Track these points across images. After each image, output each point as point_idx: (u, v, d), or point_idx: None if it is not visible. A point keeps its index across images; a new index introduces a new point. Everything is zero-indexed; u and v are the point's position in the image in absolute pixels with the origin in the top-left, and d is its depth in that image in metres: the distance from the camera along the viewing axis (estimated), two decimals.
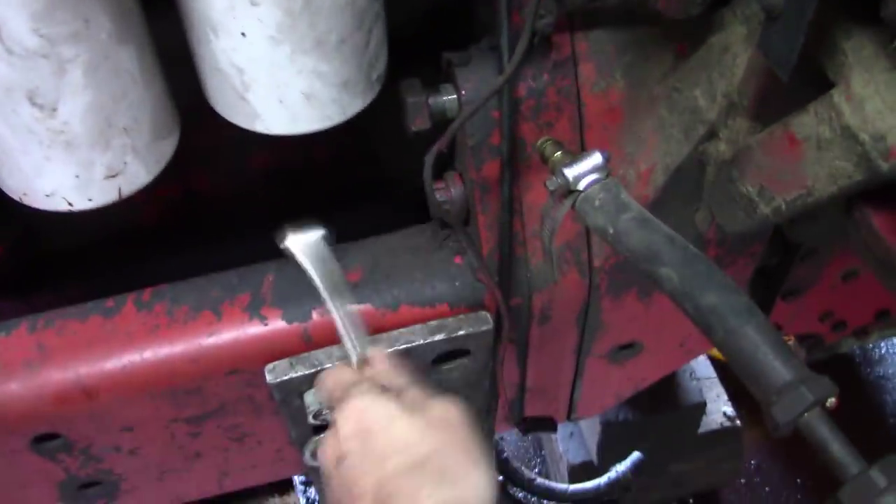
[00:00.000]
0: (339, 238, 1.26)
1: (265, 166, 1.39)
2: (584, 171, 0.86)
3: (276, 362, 1.14)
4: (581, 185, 0.85)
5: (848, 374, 2.97)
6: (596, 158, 0.86)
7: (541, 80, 1.08)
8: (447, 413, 0.86)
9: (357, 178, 1.43)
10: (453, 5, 1.25)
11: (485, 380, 1.26)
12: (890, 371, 3.02)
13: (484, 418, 1.33)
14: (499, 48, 1.03)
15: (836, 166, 0.82)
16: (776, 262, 1.41)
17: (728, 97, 1.01)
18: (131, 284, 1.25)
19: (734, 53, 1.01)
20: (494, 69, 1.07)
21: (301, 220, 1.15)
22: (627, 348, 1.37)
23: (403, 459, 0.81)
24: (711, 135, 1.04)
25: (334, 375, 1.02)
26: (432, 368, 1.20)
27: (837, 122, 0.80)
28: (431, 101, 1.09)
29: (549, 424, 1.47)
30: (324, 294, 1.09)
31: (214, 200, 1.41)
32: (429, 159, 0.99)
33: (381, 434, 0.84)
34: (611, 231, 0.82)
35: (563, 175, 0.86)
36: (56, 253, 1.40)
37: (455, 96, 1.09)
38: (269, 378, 1.13)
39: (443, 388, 1.24)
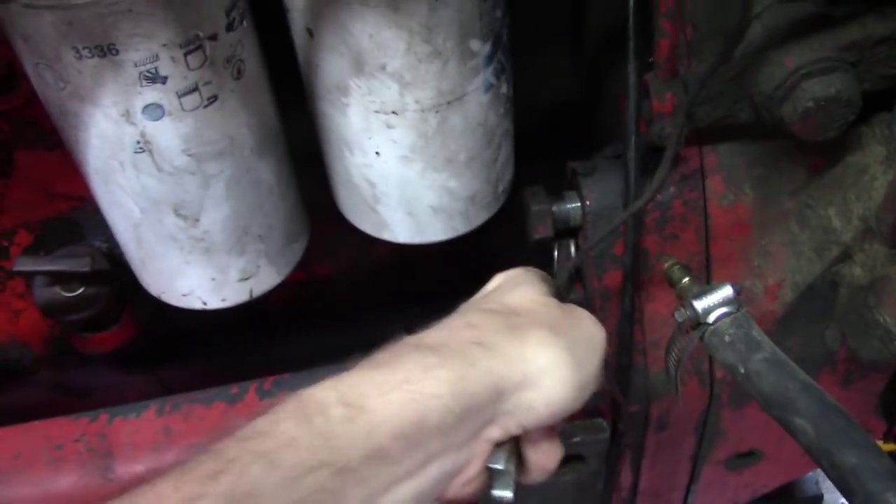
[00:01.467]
0: None
1: (385, 256, 1.41)
2: (713, 303, 0.84)
3: None
4: (710, 318, 0.84)
5: None
6: (727, 291, 0.84)
7: (667, 193, 1.07)
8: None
9: (473, 271, 1.44)
10: (577, 107, 1.26)
11: (598, 483, 1.24)
12: None
13: None
14: (625, 161, 1.03)
15: None
16: None
17: (864, 221, 0.98)
18: (253, 362, 1.28)
19: (872, 175, 0.98)
20: (619, 178, 1.07)
21: None
22: (747, 456, 1.33)
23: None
24: (846, 257, 1.01)
25: None
26: None
27: None
28: (555, 209, 1.09)
29: None
30: None
31: (336, 286, 1.44)
32: (561, 274, 0.99)
33: None
34: (742, 370, 0.80)
35: (693, 307, 0.84)
36: (184, 331, 1.45)
37: (579, 205, 1.09)
38: None
39: (555, 489, 1.23)
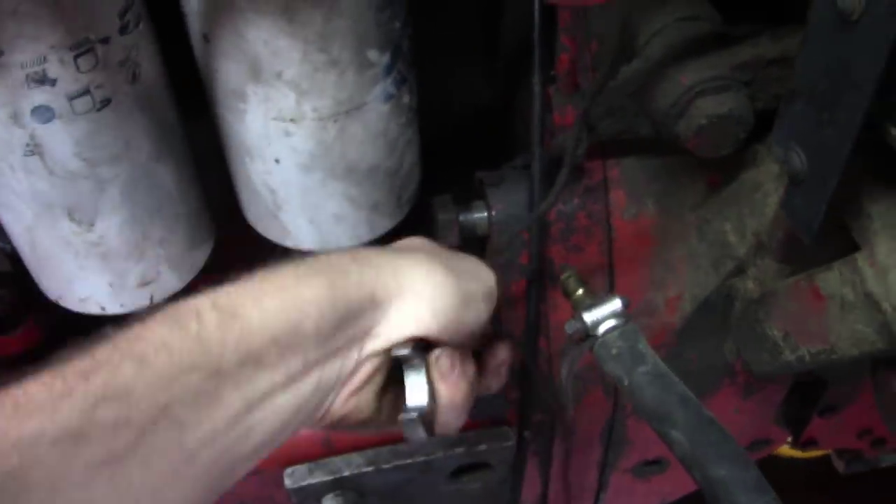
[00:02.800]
0: None
1: None
2: (602, 316, 0.85)
3: (296, 467, 1.15)
4: (599, 331, 0.85)
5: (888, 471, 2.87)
6: (616, 304, 0.85)
7: (571, 204, 1.08)
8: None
9: None
10: (491, 116, 1.27)
11: (505, 492, 1.25)
12: None
13: None
14: (531, 172, 1.04)
15: (858, 330, 0.81)
16: (812, 379, 1.38)
17: (758, 236, 1.00)
18: None
19: (765, 192, 1.01)
20: (525, 189, 1.08)
21: None
22: (654, 464, 1.35)
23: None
24: (740, 271, 1.04)
25: None
26: (452, 479, 1.20)
27: (861, 287, 0.79)
28: (462, 218, 1.10)
29: None
30: None
31: None
32: None
33: None
34: (626, 383, 0.81)
35: (582, 319, 0.85)
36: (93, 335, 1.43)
37: (485, 214, 1.10)
38: (287, 482, 1.14)
39: (462, 498, 1.24)
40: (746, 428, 1.34)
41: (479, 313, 0.80)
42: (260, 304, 0.65)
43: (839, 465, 1.79)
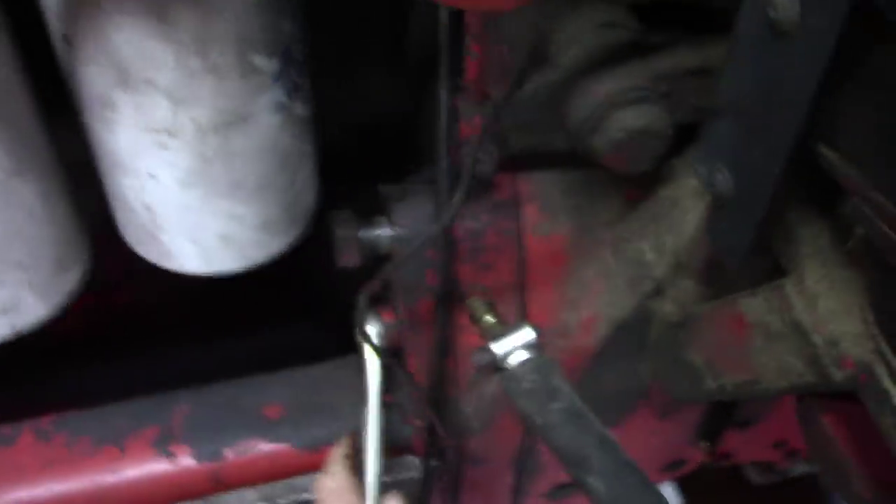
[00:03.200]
0: (262, 357, 1.18)
1: (192, 281, 1.31)
2: (513, 346, 0.79)
3: None
4: (510, 362, 0.78)
5: (797, 482, 2.92)
6: (527, 333, 0.79)
7: (480, 221, 1.01)
8: None
9: (287, 296, 1.35)
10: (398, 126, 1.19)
11: None
12: None
13: None
14: (437, 187, 0.97)
15: (786, 361, 0.75)
16: None
17: (676, 255, 0.95)
18: (39, 397, 1.15)
19: (684, 208, 0.96)
20: (431, 205, 1.00)
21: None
22: (569, 486, 1.30)
23: None
24: (658, 291, 0.98)
25: None
26: None
27: (788, 315, 0.74)
28: (362, 235, 1.02)
29: None
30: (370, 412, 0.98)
31: (137, 314, 1.32)
32: (362, 303, 0.91)
33: None
34: (539, 422, 0.75)
35: (490, 350, 0.79)
36: None
37: (388, 231, 1.02)
38: None
39: None
40: (662, 449, 1.29)
41: None
42: None
43: (752, 477, 1.78)
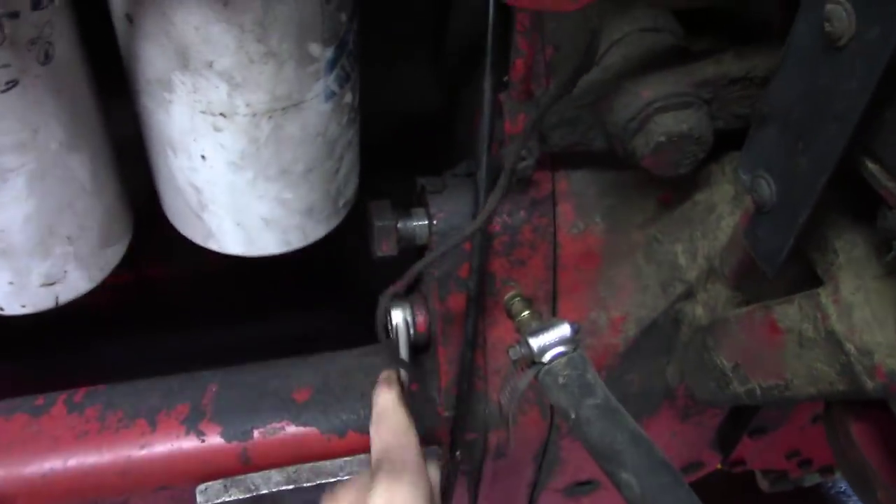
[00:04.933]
0: (293, 339, 1.20)
1: (224, 261, 1.33)
2: (550, 342, 0.80)
3: (210, 483, 1.07)
4: (546, 358, 0.80)
5: (806, 489, 2.92)
6: (564, 329, 0.80)
7: (517, 217, 1.03)
8: None
9: (320, 281, 1.37)
10: (436, 119, 1.21)
11: None
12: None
13: None
14: (476, 181, 0.98)
15: (817, 368, 0.77)
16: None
17: (709, 260, 0.96)
18: (75, 368, 1.18)
19: (719, 215, 0.97)
20: (469, 198, 1.02)
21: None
22: (585, 485, 1.31)
23: None
24: (689, 294, 0.99)
25: None
26: None
27: (822, 324, 0.75)
28: (401, 225, 1.03)
29: None
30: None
31: (169, 290, 1.35)
32: (384, 301, 0.93)
33: None
34: (573, 416, 0.76)
35: (528, 345, 0.80)
36: None
37: (426, 223, 1.03)
38: (199, 500, 1.06)
39: None
40: (681, 451, 1.30)
41: None
42: None
43: (763, 485, 1.78)
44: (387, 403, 0.89)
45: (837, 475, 1.81)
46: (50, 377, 1.16)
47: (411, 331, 1.08)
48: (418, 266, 0.92)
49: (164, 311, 1.36)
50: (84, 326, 1.32)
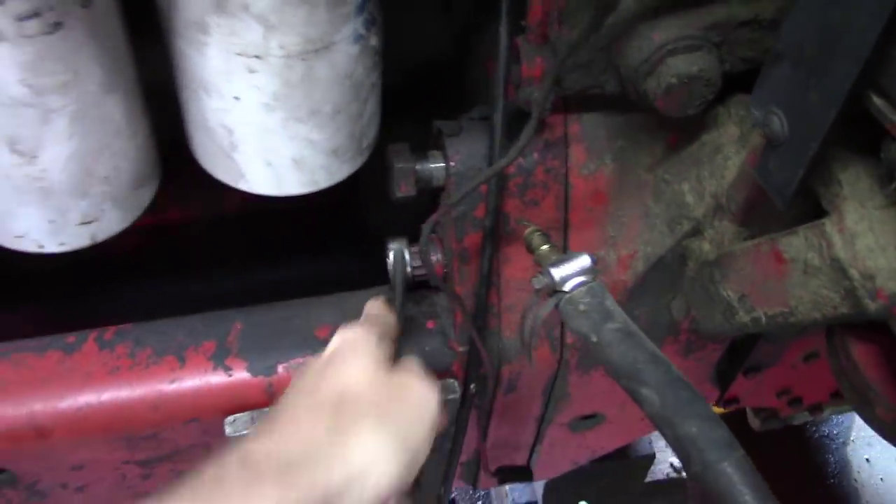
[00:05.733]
0: (309, 283, 1.24)
1: (242, 205, 1.36)
2: (571, 272, 0.85)
3: (237, 415, 1.11)
4: (567, 287, 0.85)
5: (793, 432, 3.01)
6: (584, 261, 0.85)
7: (531, 159, 1.07)
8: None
9: (338, 224, 1.41)
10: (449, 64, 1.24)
11: (445, 444, 1.25)
12: (834, 431, 3.07)
13: (442, 480, 1.32)
14: (492, 123, 1.02)
15: (821, 294, 0.82)
16: (741, 339, 1.41)
17: (716, 198, 1.01)
18: (95, 309, 1.21)
19: (726, 155, 1.01)
20: (484, 141, 1.06)
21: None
22: (590, 418, 1.37)
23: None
24: (696, 232, 1.04)
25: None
26: None
27: (828, 252, 0.80)
28: (419, 167, 1.07)
29: (526, 474, 1.46)
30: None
31: (188, 233, 1.38)
32: (426, 229, 0.97)
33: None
34: (594, 339, 0.81)
35: (550, 274, 0.85)
36: (16, 272, 1.36)
37: (443, 165, 1.07)
38: (228, 430, 1.11)
39: None
40: None
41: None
42: None
43: (754, 423, 1.85)
44: (372, 306, 0.99)
45: (825, 415, 1.89)
46: (73, 320, 1.20)
47: (408, 268, 1.13)
48: (452, 200, 0.97)
49: (183, 254, 1.39)
50: (106, 269, 1.36)
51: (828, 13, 0.67)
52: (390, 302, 1.04)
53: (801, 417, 1.94)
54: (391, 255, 1.12)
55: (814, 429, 3.05)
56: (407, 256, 1.13)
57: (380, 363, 0.85)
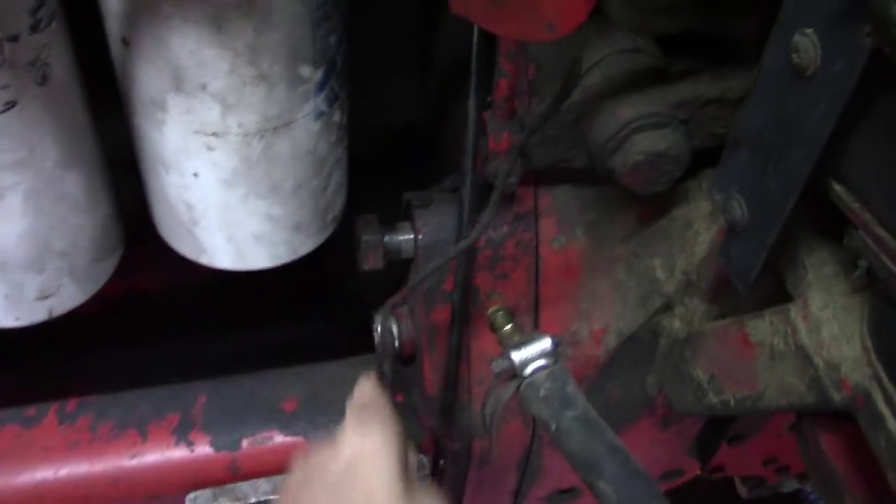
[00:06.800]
0: (279, 350, 1.22)
1: (212, 273, 1.35)
2: (531, 355, 0.83)
3: (199, 492, 1.09)
4: (528, 371, 0.83)
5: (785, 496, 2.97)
6: (545, 343, 0.83)
7: (500, 232, 1.05)
8: None
9: (307, 291, 1.40)
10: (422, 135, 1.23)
11: None
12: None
13: None
14: (460, 197, 1.01)
15: (788, 381, 0.80)
16: None
17: (686, 274, 0.99)
18: (63, 378, 1.19)
19: (696, 230, 1.00)
20: (454, 213, 1.05)
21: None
22: (567, 493, 1.34)
23: None
24: (667, 307, 1.02)
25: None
26: None
27: (792, 338, 0.79)
28: (387, 239, 1.06)
29: None
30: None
31: (158, 301, 1.37)
32: (383, 315, 0.96)
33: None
34: (553, 427, 0.79)
35: (510, 358, 0.83)
36: None
37: (411, 237, 1.06)
38: None
39: None
40: (661, 459, 1.34)
41: None
42: None
43: (742, 491, 1.82)
44: (364, 386, 0.87)
45: None
46: (40, 388, 1.18)
47: (396, 343, 1.11)
48: (414, 282, 0.95)
49: (153, 321, 1.38)
50: (74, 336, 1.34)
51: (784, 103, 0.66)
52: (380, 379, 0.96)
53: (790, 485, 1.91)
54: (379, 328, 1.08)
55: (809, 490, 3.00)
56: (395, 330, 1.10)
57: (403, 485, 0.75)
